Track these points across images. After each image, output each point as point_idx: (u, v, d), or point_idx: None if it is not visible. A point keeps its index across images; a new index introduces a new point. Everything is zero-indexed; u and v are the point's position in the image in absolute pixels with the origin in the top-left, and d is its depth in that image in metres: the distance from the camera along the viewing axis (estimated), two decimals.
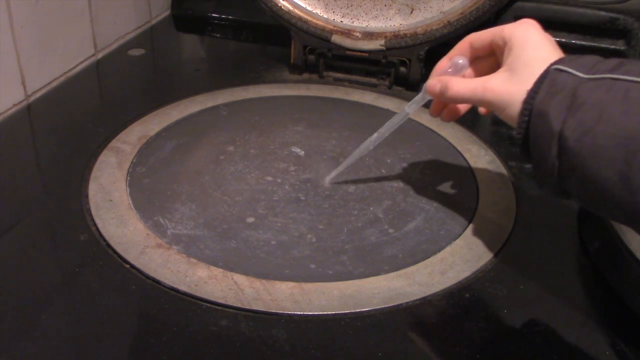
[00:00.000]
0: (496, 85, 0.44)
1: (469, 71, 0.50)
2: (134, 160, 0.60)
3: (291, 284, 0.46)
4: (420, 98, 0.52)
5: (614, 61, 0.40)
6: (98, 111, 0.72)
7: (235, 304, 0.44)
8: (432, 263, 0.49)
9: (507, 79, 0.44)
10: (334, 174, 0.58)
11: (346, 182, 0.58)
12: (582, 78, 0.39)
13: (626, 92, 0.37)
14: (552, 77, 0.40)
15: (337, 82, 0.79)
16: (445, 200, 0.57)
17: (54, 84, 0.73)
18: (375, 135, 0.55)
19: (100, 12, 0.80)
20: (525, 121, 0.41)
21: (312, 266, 0.48)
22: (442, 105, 0.52)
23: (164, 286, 0.45)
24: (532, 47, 0.44)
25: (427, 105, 0.53)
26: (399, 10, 0.76)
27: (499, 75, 0.45)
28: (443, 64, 0.51)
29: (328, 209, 0.55)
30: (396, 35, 0.75)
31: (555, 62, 0.41)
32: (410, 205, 0.56)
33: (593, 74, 0.39)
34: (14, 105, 0.67)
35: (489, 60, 0.49)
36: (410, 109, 0.53)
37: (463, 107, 0.52)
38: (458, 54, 0.50)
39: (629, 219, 0.38)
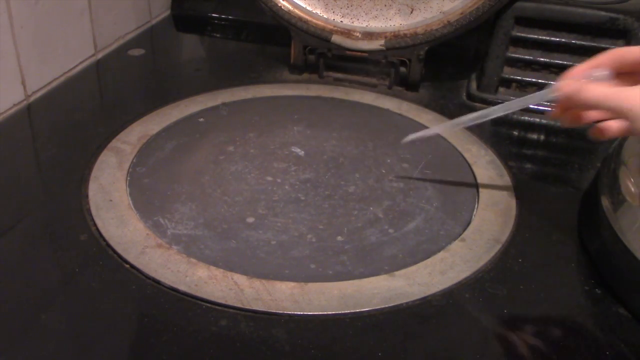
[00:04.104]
0: (636, 96, 0.41)
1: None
2: (134, 160, 0.60)
3: (291, 284, 0.46)
4: (543, 94, 0.49)
5: None
6: (98, 111, 0.72)
7: (235, 304, 0.44)
8: (432, 263, 0.49)
9: None
10: (413, 136, 0.58)
11: (347, 181, 0.58)
12: None
13: None
14: None
15: (337, 82, 0.79)
16: (445, 200, 0.57)
17: (54, 84, 0.73)
18: (476, 113, 0.54)
19: (100, 12, 0.80)
20: None
21: (312, 266, 0.48)
22: (565, 108, 0.49)
23: (164, 286, 0.45)
24: None
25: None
26: (399, 10, 0.76)
27: None
28: (582, 69, 0.47)
29: (328, 209, 0.55)
30: (396, 35, 0.75)
31: None
32: (410, 205, 0.56)
33: None
34: (14, 105, 0.67)
35: (635, 79, 0.46)
36: (528, 101, 0.51)
37: (587, 116, 0.49)
38: (601, 65, 0.47)
39: None
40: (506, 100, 0.73)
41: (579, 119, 0.50)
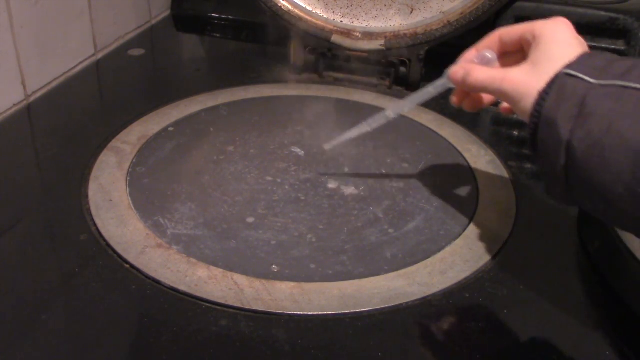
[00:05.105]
0: (515, 76, 0.43)
1: (496, 66, 0.49)
2: (134, 160, 0.60)
3: (291, 284, 0.46)
4: (441, 84, 0.51)
5: (627, 62, 0.39)
6: (98, 111, 0.72)
7: (235, 304, 0.44)
8: (432, 263, 0.49)
9: (527, 71, 0.43)
10: (335, 142, 0.59)
11: (347, 181, 0.58)
12: (592, 84, 0.38)
13: (636, 103, 0.36)
14: (562, 82, 0.39)
15: (337, 82, 0.79)
16: (445, 200, 0.57)
17: (54, 84, 0.73)
18: (389, 110, 0.55)
19: (100, 12, 0.80)
20: (535, 122, 0.40)
21: (312, 266, 0.48)
22: (464, 94, 0.51)
23: (164, 286, 0.45)
24: (559, 44, 0.43)
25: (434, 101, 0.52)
26: (399, 10, 0.76)
27: (521, 68, 0.43)
28: (471, 54, 0.49)
29: (328, 209, 0.55)
30: (396, 35, 0.75)
31: (567, 66, 0.40)
32: (410, 205, 0.56)
33: (603, 78, 0.38)
34: (14, 105, 0.67)
35: (517, 57, 0.47)
36: (430, 90, 0.52)
37: (487, 98, 0.51)
38: (487, 47, 0.49)
39: (637, 231, 0.38)
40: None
41: (479, 103, 0.51)
